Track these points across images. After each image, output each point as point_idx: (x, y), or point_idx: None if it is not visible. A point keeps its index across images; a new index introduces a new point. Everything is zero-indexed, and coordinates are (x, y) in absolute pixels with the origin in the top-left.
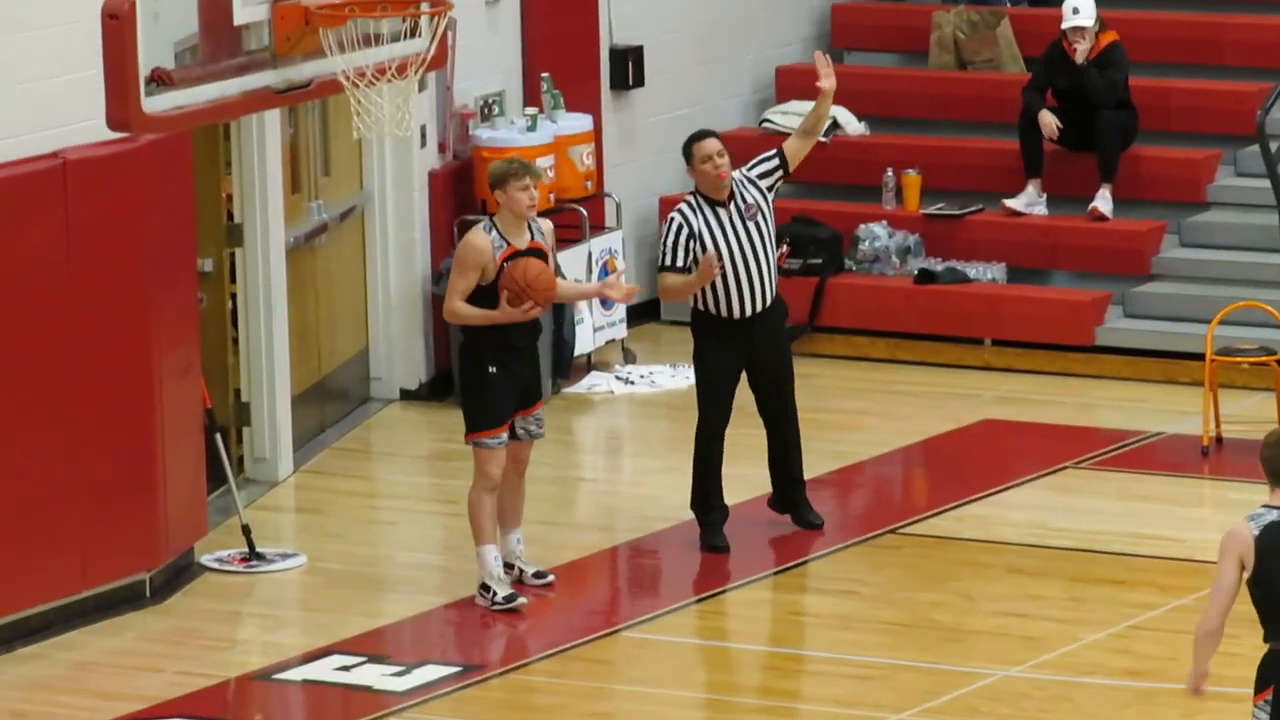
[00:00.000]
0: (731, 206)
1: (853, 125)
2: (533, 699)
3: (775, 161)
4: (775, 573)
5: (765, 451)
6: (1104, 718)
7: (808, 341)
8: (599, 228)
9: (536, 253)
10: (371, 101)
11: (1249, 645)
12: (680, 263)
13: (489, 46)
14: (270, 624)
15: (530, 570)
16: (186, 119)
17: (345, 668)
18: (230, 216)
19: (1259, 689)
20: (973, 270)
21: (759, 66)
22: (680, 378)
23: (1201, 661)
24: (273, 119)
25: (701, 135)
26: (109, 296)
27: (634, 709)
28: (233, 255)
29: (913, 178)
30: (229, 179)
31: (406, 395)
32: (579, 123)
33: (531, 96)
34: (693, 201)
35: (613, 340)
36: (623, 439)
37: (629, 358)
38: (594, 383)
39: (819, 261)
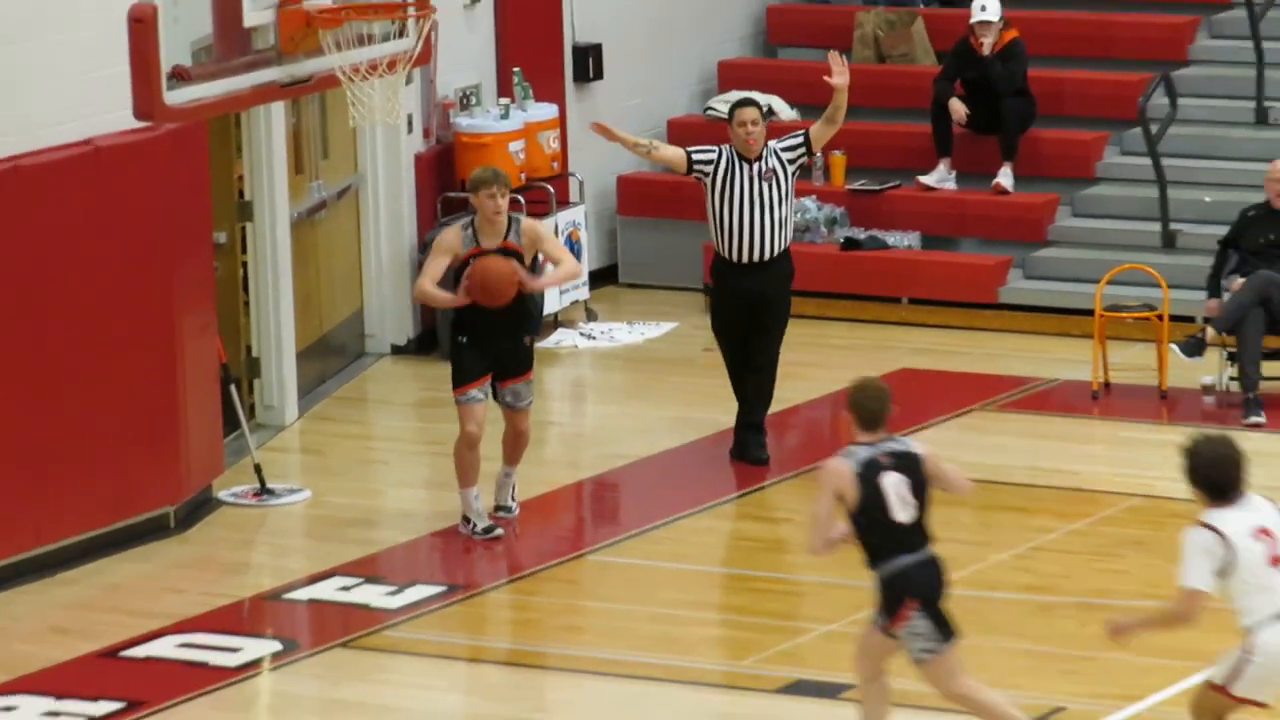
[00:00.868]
0: (755, 166)
1: (786, 112)
2: (510, 614)
3: (800, 140)
4: (722, 502)
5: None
6: (1008, 627)
7: None
8: (564, 202)
9: (507, 251)
10: (365, 93)
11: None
12: (699, 156)
13: (467, 45)
14: (279, 551)
15: (496, 504)
16: (203, 110)
17: (345, 588)
18: (241, 195)
19: (893, 612)
20: (891, 238)
21: (703, 61)
22: (636, 334)
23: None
24: (278, 109)
25: (743, 103)
26: (135, 265)
27: (600, 624)
28: (244, 229)
29: (839, 158)
30: (240, 162)
31: (396, 350)
32: (546, 111)
33: (505, 88)
34: (729, 152)
35: (577, 301)
36: (586, 388)
37: (591, 316)
38: (560, 338)
39: None
